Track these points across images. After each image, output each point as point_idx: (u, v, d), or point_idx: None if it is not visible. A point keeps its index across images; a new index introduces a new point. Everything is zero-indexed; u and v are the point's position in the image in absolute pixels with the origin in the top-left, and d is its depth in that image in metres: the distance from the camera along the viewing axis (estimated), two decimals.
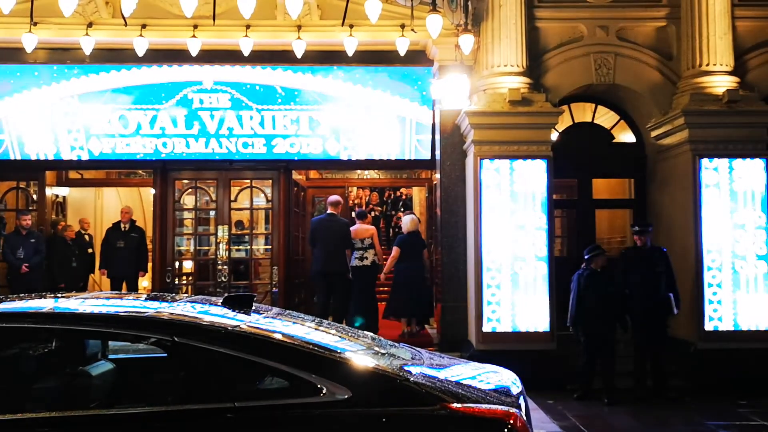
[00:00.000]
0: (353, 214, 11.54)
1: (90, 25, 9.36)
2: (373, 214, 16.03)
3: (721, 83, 8.99)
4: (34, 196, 10.93)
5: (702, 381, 8.43)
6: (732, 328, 8.64)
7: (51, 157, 10.12)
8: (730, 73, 9.10)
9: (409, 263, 10.08)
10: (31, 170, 10.52)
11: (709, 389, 8.28)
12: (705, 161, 8.79)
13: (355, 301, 9.89)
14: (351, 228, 10.09)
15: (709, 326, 8.66)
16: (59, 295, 4.17)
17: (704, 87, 9.02)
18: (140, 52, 9.29)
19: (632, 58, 9.59)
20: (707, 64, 9.08)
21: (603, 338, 8.13)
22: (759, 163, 8.76)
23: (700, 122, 8.85)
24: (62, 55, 9.98)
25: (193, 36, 9.29)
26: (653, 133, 9.68)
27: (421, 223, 12.32)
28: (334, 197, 10.17)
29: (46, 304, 3.75)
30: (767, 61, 9.51)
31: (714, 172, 8.78)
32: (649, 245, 8.36)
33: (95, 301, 3.91)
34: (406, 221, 10.53)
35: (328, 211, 9.99)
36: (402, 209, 16.87)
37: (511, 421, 3.02)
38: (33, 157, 10.09)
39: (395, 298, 10.39)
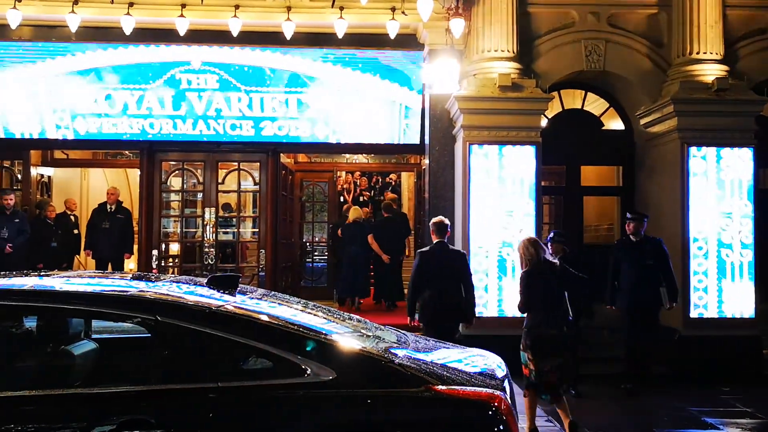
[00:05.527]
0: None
1: (76, 2, 9.21)
2: (361, 198, 15.98)
3: (711, 71, 8.98)
4: (19, 176, 10.80)
5: (686, 368, 8.49)
6: (716, 316, 8.71)
7: (36, 136, 10.01)
8: (720, 62, 9.09)
9: (352, 249, 10.73)
10: (15, 149, 10.43)
11: (692, 376, 8.33)
12: (693, 149, 8.81)
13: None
14: None
15: (694, 313, 8.71)
16: (42, 273, 4.12)
17: (694, 75, 9.01)
18: (127, 31, 9.17)
19: (623, 45, 9.55)
20: (697, 53, 9.07)
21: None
22: (746, 152, 8.79)
23: (689, 110, 8.85)
24: (48, 33, 9.82)
25: (181, 15, 9.19)
26: (642, 121, 9.67)
27: (409, 209, 12.38)
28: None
29: (28, 281, 3.70)
30: (757, 50, 9.51)
31: (702, 160, 8.80)
32: (642, 235, 8.06)
33: (78, 280, 3.86)
34: (350, 212, 11.19)
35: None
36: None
37: (496, 404, 3.02)
38: (17, 136, 9.98)
39: (340, 279, 11.17)
